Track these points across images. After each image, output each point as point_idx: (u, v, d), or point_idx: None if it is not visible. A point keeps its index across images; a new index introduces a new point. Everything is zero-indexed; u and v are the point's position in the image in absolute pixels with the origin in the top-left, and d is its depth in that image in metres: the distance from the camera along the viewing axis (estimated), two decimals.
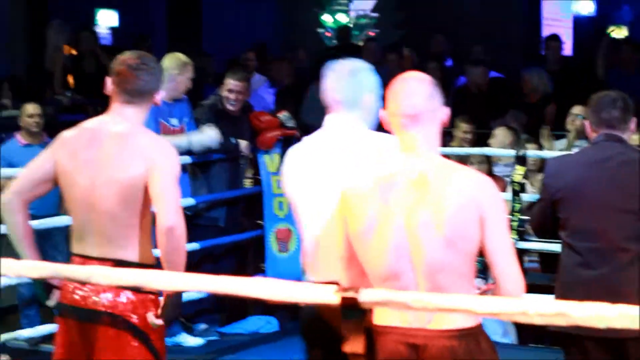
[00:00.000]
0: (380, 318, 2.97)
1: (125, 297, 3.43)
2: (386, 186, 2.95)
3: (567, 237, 4.03)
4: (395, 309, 2.84)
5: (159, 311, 3.53)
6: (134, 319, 3.45)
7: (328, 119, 3.67)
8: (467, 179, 2.94)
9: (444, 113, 3.05)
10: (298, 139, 7.24)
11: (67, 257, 6.60)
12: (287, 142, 6.97)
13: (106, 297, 3.43)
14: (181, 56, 6.49)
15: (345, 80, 3.61)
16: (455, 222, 2.88)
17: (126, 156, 3.45)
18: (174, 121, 6.43)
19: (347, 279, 3.05)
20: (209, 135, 6.28)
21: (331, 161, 3.57)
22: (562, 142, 7.37)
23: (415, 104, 2.99)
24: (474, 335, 2.93)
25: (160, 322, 3.53)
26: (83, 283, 3.39)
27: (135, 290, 3.41)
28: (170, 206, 3.41)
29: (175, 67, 6.35)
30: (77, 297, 3.45)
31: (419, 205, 2.91)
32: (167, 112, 6.37)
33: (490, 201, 2.93)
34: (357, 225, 2.97)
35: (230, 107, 6.74)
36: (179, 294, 3.55)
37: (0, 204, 3.62)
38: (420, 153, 2.98)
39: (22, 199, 3.60)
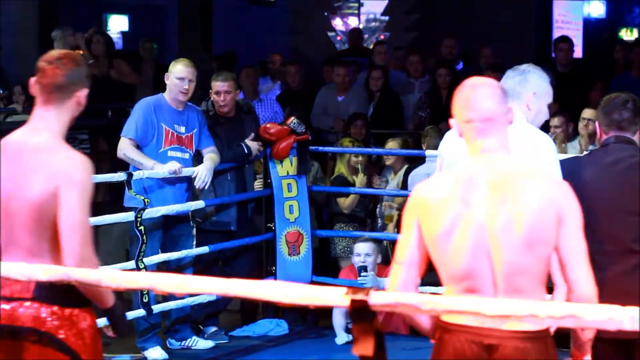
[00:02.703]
0: (452, 315, 2.95)
1: (51, 312, 3.28)
2: (466, 187, 2.97)
3: None
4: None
5: (110, 327, 3.43)
6: (61, 334, 3.29)
7: None
8: (546, 182, 2.99)
9: (512, 115, 3.10)
10: (311, 143, 7.28)
11: None
12: (301, 147, 6.98)
13: (31, 313, 3.27)
14: (186, 61, 6.47)
15: (508, 75, 4.04)
16: (535, 224, 2.92)
17: (39, 173, 3.28)
18: (181, 128, 6.36)
19: (398, 284, 3.04)
20: (168, 167, 6.22)
21: None
22: (574, 145, 7.35)
23: (491, 108, 3.02)
24: (545, 337, 2.98)
25: (113, 334, 3.44)
26: (8, 299, 3.25)
27: (61, 304, 3.27)
28: (74, 237, 3.21)
29: (180, 73, 6.33)
30: (3, 314, 3.28)
31: (499, 207, 2.93)
32: (172, 118, 6.32)
33: (568, 204, 2.99)
34: (436, 227, 2.97)
35: (221, 109, 6.72)
36: (115, 305, 3.40)
37: None
38: (499, 155, 3.02)
39: None
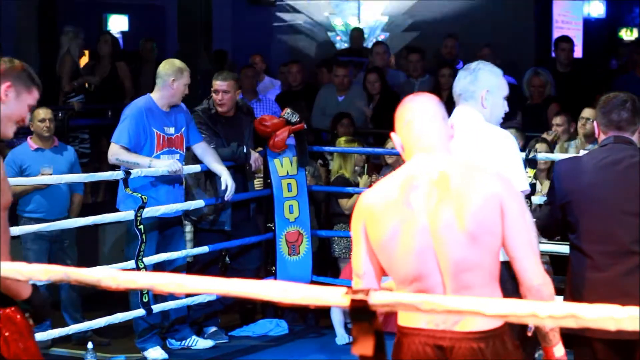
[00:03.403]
0: (406, 319, 3.00)
1: None
2: (407, 190, 2.97)
3: (576, 239, 4.01)
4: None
5: (28, 316, 3.33)
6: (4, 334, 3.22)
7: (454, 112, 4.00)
8: (485, 175, 2.98)
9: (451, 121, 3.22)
10: (307, 131, 7.27)
11: (76, 260, 6.66)
12: (298, 137, 6.97)
13: None
14: (177, 62, 6.43)
15: (460, 76, 4.07)
16: (478, 217, 2.90)
17: None
18: (170, 130, 6.37)
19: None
20: (167, 165, 6.22)
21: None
22: (574, 144, 7.35)
23: (430, 109, 3.10)
24: (500, 335, 2.96)
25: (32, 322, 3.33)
26: None
27: None
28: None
29: (170, 74, 6.30)
30: None
31: (441, 205, 2.93)
32: (161, 120, 6.31)
33: (509, 195, 2.96)
34: (381, 233, 2.97)
35: (219, 108, 6.73)
36: (33, 295, 3.32)
37: None
38: (438, 155, 3.03)
39: None
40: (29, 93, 3.33)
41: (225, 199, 6.43)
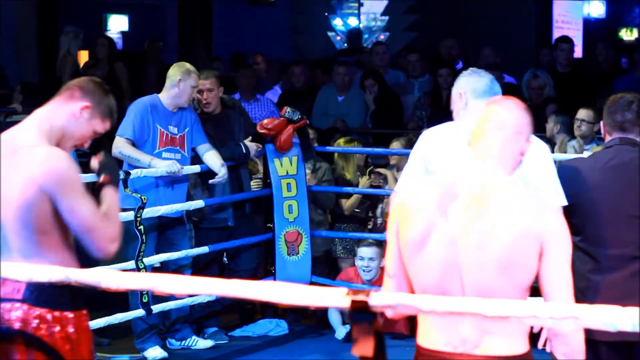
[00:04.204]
0: (425, 340, 2.83)
1: (39, 314, 3.25)
2: (445, 196, 2.79)
3: (580, 242, 3.93)
4: (441, 332, 2.76)
5: (98, 164, 3.44)
6: (48, 337, 3.27)
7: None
8: (532, 201, 2.76)
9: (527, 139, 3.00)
10: (310, 127, 7.26)
11: (77, 260, 6.64)
12: (301, 133, 6.96)
13: (19, 315, 3.25)
14: (187, 64, 6.47)
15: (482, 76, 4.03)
16: (512, 247, 2.70)
17: (18, 174, 3.23)
18: (173, 129, 6.38)
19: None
20: (166, 165, 6.23)
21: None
22: (573, 145, 7.34)
23: (505, 118, 2.93)
24: None
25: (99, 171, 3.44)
26: (1, 300, 3.24)
27: (51, 307, 3.26)
28: (91, 236, 3.24)
29: (178, 74, 6.33)
30: None
31: (476, 221, 2.74)
32: (167, 119, 6.33)
33: (555, 231, 2.74)
34: (409, 234, 2.80)
35: (205, 108, 6.73)
36: (109, 156, 3.48)
37: None
38: (487, 165, 2.84)
39: None
40: (102, 122, 3.42)
41: (213, 181, 6.44)
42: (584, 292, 3.87)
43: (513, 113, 2.92)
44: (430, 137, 4.20)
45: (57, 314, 3.27)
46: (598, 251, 3.89)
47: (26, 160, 3.23)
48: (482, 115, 2.93)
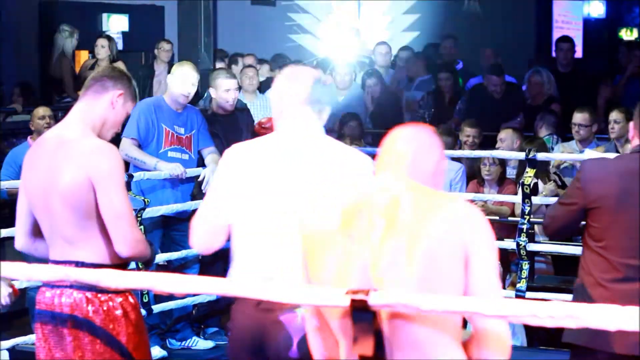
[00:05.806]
0: None
1: (87, 298, 3.43)
2: (351, 216, 2.48)
3: (601, 248, 3.76)
4: None
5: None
6: (97, 320, 3.43)
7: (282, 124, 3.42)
8: (449, 208, 2.45)
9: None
10: None
11: None
12: None
13: (69, 300, 3.43)
14: (186, 63, 6.50)
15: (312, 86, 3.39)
16: (432, 257, 2.40)
17: (69, 164, 3.44)
18: (180, 129, 6.40)
19: (320, 354, 2.63)
20: (170, 169, 6.25)
21: (286, 170, 3.27)
22: (571, 145, 7.33)
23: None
24: None
25: None
26: (51, 287, 3.43)
27: (98, 290, 3.41)
28: (120, 225, 3.40)
29: (175, 73, 6.36)
30: (47, 301, 3.47)
31: (387, 239, 2.43)
32: (171, 118, 6.35)
33: (478, 237, 2.45)
34: (317, 272, 2.51)
35: (228, 108, 6.75)
36: (152, 251, 3.66)
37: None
38: (399, 174, 2.54)
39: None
40: (132, 104, 3.66)
41: (202, 189, 6.44)
42: (597, 300, 3.66)
43: (422, 136, 2.63)
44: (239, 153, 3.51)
45: (104, 297, 3.43)
46: (620, 260, 3.71)
47: (76, 151, 3.45)
48: (389, 138, 2.64)
